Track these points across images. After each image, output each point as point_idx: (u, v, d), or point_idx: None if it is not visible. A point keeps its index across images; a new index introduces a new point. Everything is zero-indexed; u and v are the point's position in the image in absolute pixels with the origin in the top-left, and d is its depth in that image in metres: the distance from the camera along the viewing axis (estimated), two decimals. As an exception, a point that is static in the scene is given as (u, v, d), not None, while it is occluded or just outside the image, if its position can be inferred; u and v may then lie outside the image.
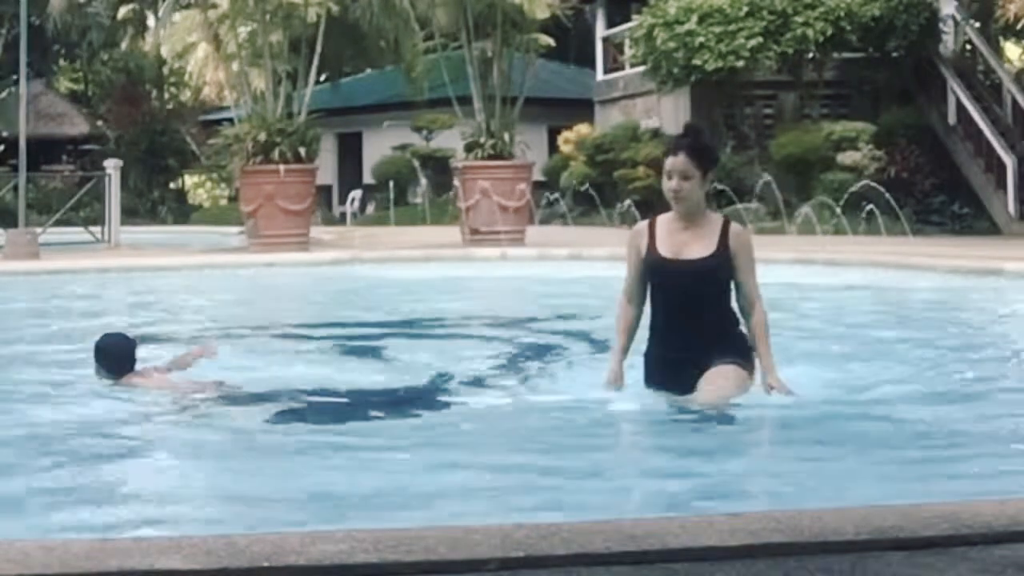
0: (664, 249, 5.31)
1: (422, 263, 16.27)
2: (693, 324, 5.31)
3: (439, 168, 27.83)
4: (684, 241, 5.30)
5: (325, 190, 30.57)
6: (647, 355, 5.52)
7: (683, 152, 5.23)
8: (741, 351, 5.36)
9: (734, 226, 5.38)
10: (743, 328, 5.40)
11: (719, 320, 5.37)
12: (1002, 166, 20.46)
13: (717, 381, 5.24)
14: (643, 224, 5.49)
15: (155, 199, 33.82)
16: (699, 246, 5.27)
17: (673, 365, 5.33)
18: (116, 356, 6.46)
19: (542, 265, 15.61)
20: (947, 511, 2.53)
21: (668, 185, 5.28)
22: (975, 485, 4.35)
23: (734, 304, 5.43)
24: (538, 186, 22.39)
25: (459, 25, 20.02)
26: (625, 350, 5.50)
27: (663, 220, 5.40)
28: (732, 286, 5.38)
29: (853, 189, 19.47)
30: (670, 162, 5.27)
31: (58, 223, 22.01)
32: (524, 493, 4.22)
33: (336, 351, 8.48)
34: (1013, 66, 27.83)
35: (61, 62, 42.68)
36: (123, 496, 4.43)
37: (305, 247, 17.98)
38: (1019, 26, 22.54)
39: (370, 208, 30.70)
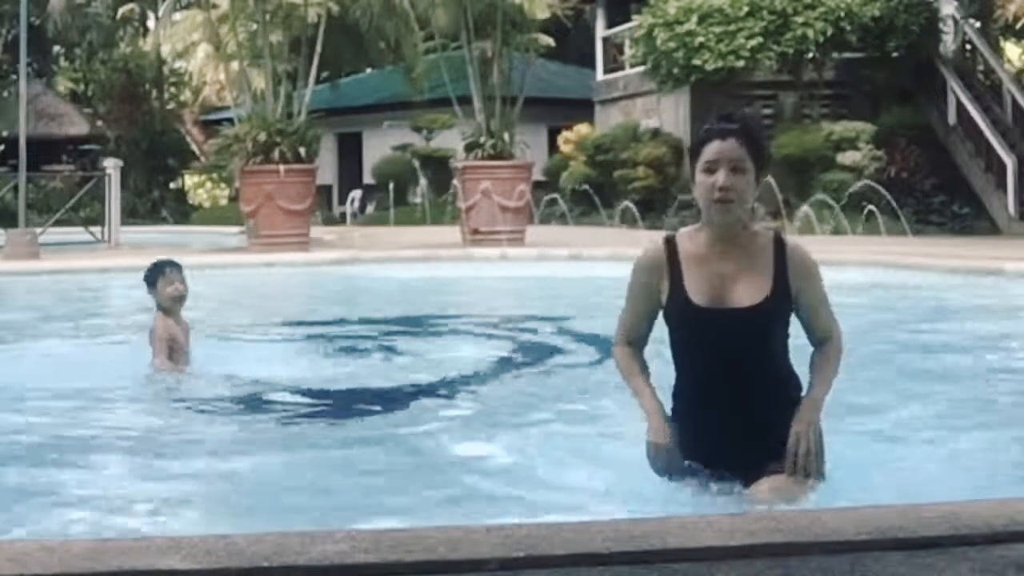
0: (697, 292, 3.63)
1: (422, 263, 16.27)
2: (742, 394, 3.70)
3: (439, 168, 27.84)
4: (725, 277, 3.63)
5: (325, 190, 30.57)
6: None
7: (733, 137, 3.58)
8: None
9: (792, 246, 3.72)
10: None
11: (777, 386, 3.77)
12: (1002, 166, 20.47)
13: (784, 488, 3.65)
14: (657, 250, 3.72)
15: (155, 199, 33.83)
16: (748, 285, 3.62)
17: (711, 448, 3.71)
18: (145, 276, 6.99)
19: (542, 265, 15.62)
20: (947, 511, 2.53)
21: (710, 181, 3.57)
22: (975, 485, 4.35)
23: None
24: (538, 186, 22.39)
25: (459, 25, 20.03)
26: (652, 390, 3.84)
27: (687, 244, 3.70)
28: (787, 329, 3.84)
29: (853, 189, 19.48)
30: (715, 148, 3.57)
31: (58, 223, 22.01)
32: (523, 493, 4.22)
33: (336, 351, 8.47)
34: (1013, 66, 27.83)
35: (61, 62, 42.69)
36: (122, 496, 4.43)
37: (305, 247, 17.98)
38: (1019, 26, 22.55)
39: (370, 208, 30.71)
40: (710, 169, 3.57)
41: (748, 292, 3.62)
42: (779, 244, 3.69)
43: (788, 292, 3.67)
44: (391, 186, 28.91)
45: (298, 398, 6.47)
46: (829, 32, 21.63)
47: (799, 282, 3.68)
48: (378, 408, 6.35)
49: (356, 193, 30.35)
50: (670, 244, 3.71)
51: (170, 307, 6.88)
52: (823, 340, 3.85)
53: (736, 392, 3.68)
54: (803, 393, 3.78)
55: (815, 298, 3.77)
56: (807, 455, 3.63)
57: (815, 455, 3.66)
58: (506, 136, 19.61)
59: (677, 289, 3.64)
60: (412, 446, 5.21)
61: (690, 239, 3.70)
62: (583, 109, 28.93)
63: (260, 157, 18.08)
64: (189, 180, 36.93)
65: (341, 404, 6.43)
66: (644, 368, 3.87)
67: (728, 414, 3.68)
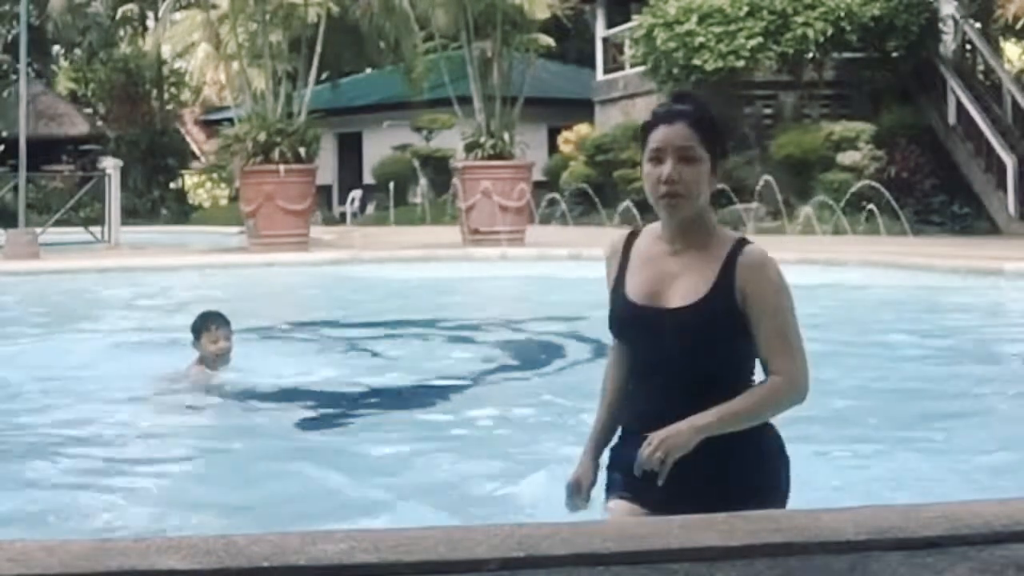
0: (635, 287, 3.12)
1: (422, 263, 16.28)
2: (659, 416, 2.99)
3: (439, 168, 27.85)
4: (670, 274, 3.08)
5: (325, 190, 30.57)
6: (613, 450, 3.22)
7: (683, 121, 3.07)
8: (765, 477, 3.07)
9: (747, 252, 3.05)
10: (775, 430, 3.11)
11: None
12: (1002, 166, 20.47)
13: None
14: (618, 240, 3.29)
15: (155, 199, 33.83)
16: (687, 284, 3.05)
17: (643, 479, 2.97)
18: (192, 326, 6.90)
19: (542, 265, 15.62)
20: (947, 511, 2.52)
21: (656, 173, 3.08)
22: (975, 485, 4.35)
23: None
24: (538, 186, 22.39)
25: (459, 25, 20.04)
26: (606, 430, 3.25)
27: (645, 237, 3.22)
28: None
29: (853, 189, 19.48)
30: (661, 135, 3.08)
31: (58, 223, 22.01)
32: (522, 492, 4.22)
33: (335, 351, 8.48)
34: (1013, 66, 27.83)
35: (61, 62, 42.70)
36: (123, 495, 4.43)
37: (305, 247, 17.99)
38: (1019, 26, 22.54)
39: (370, 208, 30.72)
40: (656, 159, 3.08)
41: (684, 292, 3.04)
42: (738, 244, 3.07)
43: (731, 298, 2.99)
44: (391, 186, 28.91)
45: (296, 398, 6.47)
46: (829, 32, 21.63)
47: (748, 289, 2.99)
48: (376, 408, 6.35)
49: (356, 193, 30.36)
50: (630, 237, 3.26)
51: (212, 362, 6.76)
52: (771, 375, 3.02)
53: (655, 412, 3.00)
54: (748, 441, 3.00)
55: (766, 317, 2.98)
56: (657, 461, 2.88)
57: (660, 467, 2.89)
58: (506, 136, 19.62)
59: (619, 284, 3.15)
60: (410, 445, 5.21)
61: (650, 233, 3.21)
62: (583, 109, 28.92)
63: (260, 157, 18.08)
64: (189, 180, 36.95)
65: (340, 404, 6.43)
66: (617, 390, 3.24)
67: (643, 437, 2.96)
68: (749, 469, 3.00)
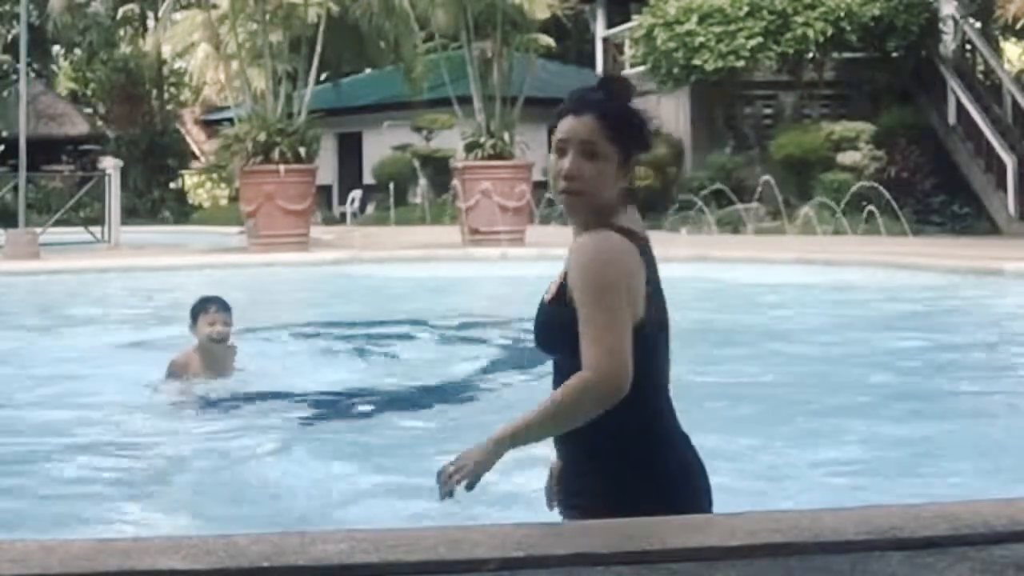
0: (550, 288, 2.98)
1: (422, 263, 16.29)
2: None
3: (439, 168, 27.84)
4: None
5: (325, 190, 30.55)
6: None
7: (591, 113, 2.81)
8: (600, 486, 2.82)
9: (578, 241, 2.84)
10: (643, 442, 2.77)
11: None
12: (1002, 166, 20.48)
13: None
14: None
15: (155, 199, 33.83)
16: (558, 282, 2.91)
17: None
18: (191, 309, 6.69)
19: (542, 265, 15.59)
20: (947, 511, 2.52)
21: (558, 166, 2.84)
22: (974, 485, 4.35)
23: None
24: (538, 186, 22.37)
25: (459, 25, 20.04)
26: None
27: None
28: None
29: (853, 189, 19.48)
30: (567, 126, 2.83)
31: (58, 223, 22.00)
32: (522, 492, 4.22)
33: (335, 351, 8.48)
34: (1013, 66, 27.84)
35: (61, 62, 42.71)
36: (122, 495, 4.43)
37: (305, 247, 17.99)
38: (1019, 26, 22.54)
39: (370, 208, 30.71)
40: (560, 150, 2.83)
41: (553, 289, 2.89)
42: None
43: (565, 292, 2.80)
44: (391, 186, 28.90)
45: (295, 397, 6.47)
46: (829, 32, 21.63)
47: (569, 281, 2.80)
48: (375, 408, 6.34)
49: (356, 193, 30.34)
50: None
51: (208, 348, 6.53)
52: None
53: None
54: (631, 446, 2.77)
55: (578, 308, 2.74)
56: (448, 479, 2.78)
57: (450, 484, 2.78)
58: (506, 136, 19.63)
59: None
60: (409, 445, 5.21)
61: None
62: (583, 109, 28.89)
63: (260, 157, 18.08)
64: (189, 180, 36.93)
65: (339, 403, 6.43)
66: None
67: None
68: (637, 495, 2.70)
